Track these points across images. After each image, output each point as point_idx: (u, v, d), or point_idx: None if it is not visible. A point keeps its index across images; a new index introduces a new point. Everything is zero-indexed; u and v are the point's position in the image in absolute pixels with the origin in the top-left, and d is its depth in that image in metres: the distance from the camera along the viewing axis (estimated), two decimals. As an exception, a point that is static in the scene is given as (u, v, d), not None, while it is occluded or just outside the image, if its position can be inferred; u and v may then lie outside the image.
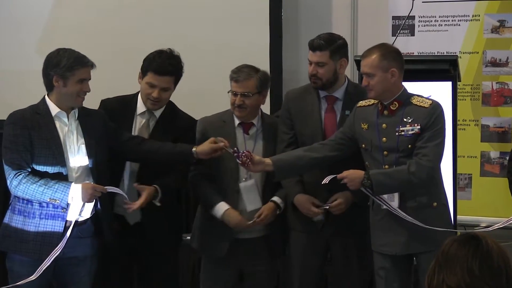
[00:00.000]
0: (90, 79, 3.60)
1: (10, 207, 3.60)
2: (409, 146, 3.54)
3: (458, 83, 4.59)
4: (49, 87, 3.59)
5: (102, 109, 3.90)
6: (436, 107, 3.59)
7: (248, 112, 3.90)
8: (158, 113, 3.89)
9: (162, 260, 3.90)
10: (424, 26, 5.17)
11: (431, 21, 5.15)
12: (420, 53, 5.04)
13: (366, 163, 3.66)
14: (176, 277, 4.07)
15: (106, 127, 3.73)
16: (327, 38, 3.80)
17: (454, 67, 4.39)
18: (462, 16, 5.07)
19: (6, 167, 3.52)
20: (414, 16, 5.12)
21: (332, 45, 3.79)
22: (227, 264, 3.93)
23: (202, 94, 4.09)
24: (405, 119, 3.56)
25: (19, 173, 3.47)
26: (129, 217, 3.82)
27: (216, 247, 3.93)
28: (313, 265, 3.90)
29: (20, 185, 3.47)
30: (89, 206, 3.56)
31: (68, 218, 3.52)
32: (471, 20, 5.05)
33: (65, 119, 3.59)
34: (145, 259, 3.89)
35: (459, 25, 5.07)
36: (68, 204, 3.49)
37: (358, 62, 4.73)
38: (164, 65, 3.76)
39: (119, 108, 3.90)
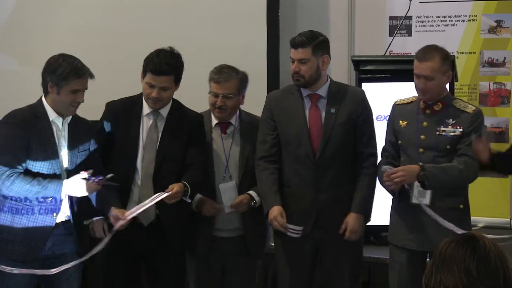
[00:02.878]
0: (86, 89, 3.56)
1: None
2: (448, 147, 3.60)
3: (456, 83, 4.61)
4: (45, 90, 3.57)
5: (107, 112, 3.87)
6: (479, 115, 3.65)
7: (228, 113, 3.94)
8: (164, 113, 3.83)
9: (174, 260, 3.87)
10: (422, 26, 5.18)
11: (428, 21, 5.16)
12: (418, 53, 5.04)
13: (402, 159, 3.70)
14: (184, 276, 4.05)
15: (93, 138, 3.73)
16: (308, 34, 3.75)
17: (452, 67, 4.40)
18: (459, 17, 5.08)
19: None
20: (412, 16, 5.13)
21: (314, 41, 3.72)
22: (208, 262, 3.96)
23: (200, 94, 4.07)
24: (447, 120, 3.62)
25: (11, 174, 3.46)
26: (143, 218, 3.77)
27: (195, 245, 3.95)
28: (303, 270, 3.83)
29: (13, 186, 3.45)
30: (66, 204, 3.57)
31: (60, 216, 3.55)
32: (468, 20, 5.06)
33: (60, 125, 3.58)
34: (156, 259, 3.85)
35: (456, 25, 5.09)
36: (61, 201, 3.52)
37: (355, 62, 4.76)
38: (161, 65, 3.72)
39: (125, 110, 3.85)
